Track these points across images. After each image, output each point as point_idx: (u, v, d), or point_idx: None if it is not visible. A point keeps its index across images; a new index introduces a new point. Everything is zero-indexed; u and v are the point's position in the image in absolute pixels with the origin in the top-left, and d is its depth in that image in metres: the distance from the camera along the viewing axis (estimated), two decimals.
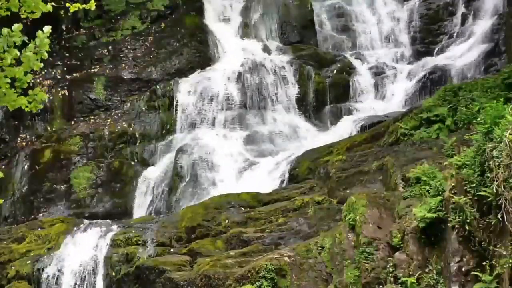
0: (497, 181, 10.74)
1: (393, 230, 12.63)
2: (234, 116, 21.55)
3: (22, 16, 9.03)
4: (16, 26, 8.66)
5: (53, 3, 9.49)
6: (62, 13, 21.78)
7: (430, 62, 22.51)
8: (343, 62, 23.08)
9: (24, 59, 8.79)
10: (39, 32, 8.77)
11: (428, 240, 12.02)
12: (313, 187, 16.70)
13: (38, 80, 21.86)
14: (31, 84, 9.29)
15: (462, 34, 23.39)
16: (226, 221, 15.95)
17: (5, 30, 8.65)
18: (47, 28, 8.80)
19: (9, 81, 8.97)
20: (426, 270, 11.83)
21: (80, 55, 23.62)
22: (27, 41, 8.86)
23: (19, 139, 21.65)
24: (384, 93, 22.25)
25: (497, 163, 10.79)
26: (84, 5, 9.49)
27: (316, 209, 15.41)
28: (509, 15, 20.30)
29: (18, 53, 8.76)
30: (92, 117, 22.05)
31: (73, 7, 9.44)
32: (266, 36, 24.48)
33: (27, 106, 9.19)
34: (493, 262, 10.87)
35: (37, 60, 8.85)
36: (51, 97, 21.97)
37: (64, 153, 20.96)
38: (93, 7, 9.48)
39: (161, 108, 21.89)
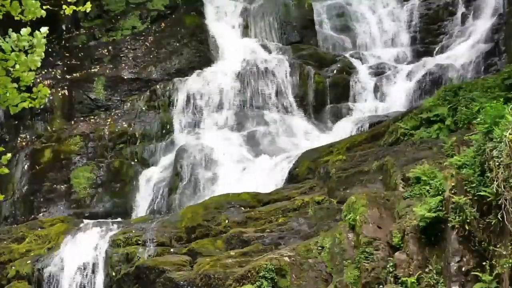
0: (497, 181, 10.74)
1: (393, 230, 12.63)
2: (234, 116, 21.56)
3: (16, 19, 9.01)
4: (25, 31, 8.65)
5: (49, 7, 9.48)
6: (62, 13, 21.80)
7: (430, 62, 22.49)
8: (343, 62, 23.06)
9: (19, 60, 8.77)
10: (37, 32, 8.77)
11: (428, 240, 12.02)
12: (313, 187, 16.69)
13: (38, 80, 21.85)
14: (31, 84, 9.26)
15: (462, 34, 23.39)
16: (226, 221, 15.95)
17: (14, 35, 8.63)
18: (45, 29, 8.80)
19: (16, 85, 8.96)
20: (426, 270, 11.83)
21: (80, 55, 23.63)
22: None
23: (19, 139, 21.65)
24: (384, 93, 22.25)
25: (497, 163, 10.79)
26: (80, 8, 9.50)
27: (316, 209, 15.40)
28: (509, 15, 20.29)
29: (27, 58, 8.75)
30: (92, 117, 22.06)
31: (69, 9, 9.45)
32: (266, 36, 24.48)
33: (30, 103, 9.19)
34: (493, 262, 10.87)
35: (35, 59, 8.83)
36: (51, 97, 21.97)
37: (64, 153, 20.96)
38: (89, 9, 9.49)
39: (161, 108, 21.90)
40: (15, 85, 8.93)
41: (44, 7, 9.20)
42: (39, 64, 8.90)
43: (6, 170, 9.59)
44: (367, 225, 12.77)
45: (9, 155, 9.76)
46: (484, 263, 11.05)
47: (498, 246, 10.80)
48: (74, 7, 9.44)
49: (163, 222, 16.58)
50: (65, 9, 9.47)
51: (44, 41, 8.75)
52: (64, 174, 20.56)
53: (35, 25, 9.25)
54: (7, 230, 17.60)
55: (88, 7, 9.46)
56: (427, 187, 12.85)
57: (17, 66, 8.69)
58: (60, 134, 21.46)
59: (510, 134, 10.69)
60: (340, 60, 23.23)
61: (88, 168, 20.63)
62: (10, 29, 8.76)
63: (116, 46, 23.74)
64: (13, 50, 8.67)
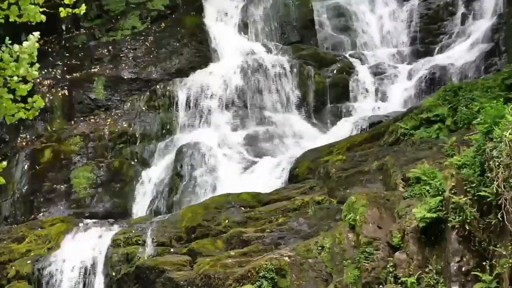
0: (497, 181, 10.74)
1: (393, 230, 12.63)
2: (234, 116, 21.56)
3: (10, 20, 9.01)
4: (27, 43, 8.62)
5: (45, 9, 9.48)
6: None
7: (430, 62, 22.51)
8: (343, 62, 23.06)
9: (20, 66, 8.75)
10: (30, 36, 8.75)
11: (428, 240, 12.01)
12: (313, 187, 16.69)
13: (38, 80, 21.85)
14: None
15: (462, 34, 23.41)
16: (226, 221, 15.96)
17: (16, 46, 8.61)
18: (34, 37, 8.77)
19: (11, 96, 8.95)
20: (426, 270, 11.83)
21: (80, 55, 23.62)
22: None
23: (19, 139, 21.65)
24: (384, 93, 22.25)
25: (497, 163, 10.79)
26: (76, 10, 9.50)
27: (316, 209, 15.41)
28: (509, 15, 20.29)
29: (28, 70, 8.73)
30: (92, 117, 22.06)
31: (64, 12, 9.46)
32: (266, 36, 24.49)
33: (24, 113, 9.18)
34: (493, 262, 10.87)
35: (29, 64, 8.79)
36: (51, 97, 21.98)
37: (64, 153, 20.95)
38: (84, 11, 9.50)
39: (161, 108, 21.89)
40: (11, 96, 8.91)
41: (41, 9, 9.19)
42: (37, 76, 8.90)
43: (2, 181, 9.61)
44: (367, 225, 12.77)
45: (4, 163, 9.79)
46: (484, 263, 11.05)
47: (498, 246, 10.80)
48: (70, 10, 9.44)
49: (163, 222, 16.59)
50: (61, 11, 9.47)
51: (37, 45, 8.73)
52: (64, 174, 20.55)
53: (34, 25, 9.24)
54: (7, 230, 17.62)
55: (82, 9, 9.46)
56: (427, 187, 12.85)
57: (15, 78, 8.67)
58: (60, 134, 21.46)
59: (510, 134, 10.70)
60: (340, 60, 23.23)
61: (88, 168, 20.62)
62: (7, 38, 8.74)
63: (116, 46, 23.73)
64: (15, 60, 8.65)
